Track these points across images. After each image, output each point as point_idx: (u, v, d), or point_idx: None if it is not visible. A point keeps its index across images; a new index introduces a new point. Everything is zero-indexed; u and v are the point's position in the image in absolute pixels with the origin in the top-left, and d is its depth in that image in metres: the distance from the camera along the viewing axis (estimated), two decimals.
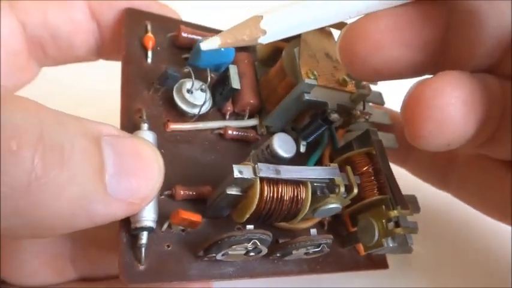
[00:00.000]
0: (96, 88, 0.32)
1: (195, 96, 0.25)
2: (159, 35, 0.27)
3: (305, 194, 0.23)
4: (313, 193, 0.23)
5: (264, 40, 0.20)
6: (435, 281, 0.33)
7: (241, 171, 0.21)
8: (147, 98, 0.25)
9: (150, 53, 0.26)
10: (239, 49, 0.29)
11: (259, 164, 0.21)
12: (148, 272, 0.21)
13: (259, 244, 0.21)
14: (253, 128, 0.27)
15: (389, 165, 0.26)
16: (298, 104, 0.25)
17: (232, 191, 0.21)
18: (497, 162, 0.28)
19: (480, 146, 0.25)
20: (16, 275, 0.22)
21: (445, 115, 0.20)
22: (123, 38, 0.26)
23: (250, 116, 0.27)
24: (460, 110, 0.20)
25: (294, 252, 0.24)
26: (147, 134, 0.23)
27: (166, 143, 0.24)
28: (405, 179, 0.28)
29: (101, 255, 0.23)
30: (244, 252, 0.22)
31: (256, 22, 0.20)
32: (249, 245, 0.21)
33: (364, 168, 0.26)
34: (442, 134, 0.20)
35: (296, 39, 0.26)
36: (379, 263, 0.28)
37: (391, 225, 0.24)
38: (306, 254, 0.24)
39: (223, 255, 0.22)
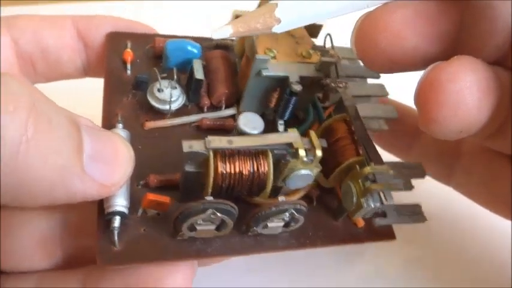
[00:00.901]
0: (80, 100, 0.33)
1: (166, 94, 0.27)
2: (139, 49, 0.30)
3: (266, 164, 0.23)
4: (277, 162, 0.23)
5: (278, 29, 0.20)
6: (435, 281, 0.32)
7: (191, 145, 0.22)
8: (126, 104, 0.27)
9: (129, 66, 0.29)
10: (213, 47, 0.31)
11: (209, 136, 0.22)
12: (123, 254, 0.22)
13: (218, 214, 0.21)
14: (232, 117, 0.28)
15: (364, 127, 0.25)
16: (260, 82, 0.26)
17: (191, 168, 0.22)
18: (502, 156, 0.28)
19: (487, 138, 0.25)
20: (5, 261, 0.24)
21: (460, 99, 0.20)
22: (106, 57, 0.29)
23: (229, 107, 0.28)
24: (475, 95, 0.20)
25: (269, 224, 0.23)
26: (120, 131, 0.25)
27: (144, 140, 0.26)
28: None
29: (89, 241, 0.25)
30: (213, 227, 0.23)
31: (270, 10, 0.20)
32: (210, 216, 0.22)
33: (341, 134, 0.25)
34: (456, 119, 0.20)
35: None
36: (384, 234, 0.27)
37: (367, 183, 0.23)
38: (285, 226, 0.24)
39: (191, 230, 0.22)
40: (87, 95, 0.28)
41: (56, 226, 0.25)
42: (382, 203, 0.23)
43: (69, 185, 0.20)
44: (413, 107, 0.24)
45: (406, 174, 0.27)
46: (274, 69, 0.25)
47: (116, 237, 0.22)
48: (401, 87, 0.32)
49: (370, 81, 0.32)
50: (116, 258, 0.22)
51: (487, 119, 0.21)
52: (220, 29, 0.20)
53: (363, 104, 0.30)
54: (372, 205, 0.23)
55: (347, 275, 0.33)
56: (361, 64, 0.32)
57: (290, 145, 0.23)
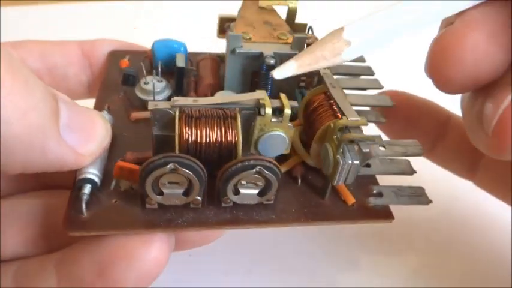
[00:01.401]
0: None
1: (152, 85, 0.28)
2: (136, 63, 0.32)
3: (234, 125, 0.22)
4: (247, 126, 0.22)
5: (348, 54, 0.19)
6: (435, 281, 0.32)
7: (156, 104, 0.22)
8: (116, 100, 0.29)
9: None
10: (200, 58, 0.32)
11: (175, 97, 0.22)
12: (90, 222, 0.22)
13: (182, 169, 0.20)
14: None
15: (342, 92, 0.24)
16: (236, 60, 0.26)
17: (159, 131, 0.22)
18: None
19: None
20: None
21: (471, 57, 0.20)
22: (105, 69, 0.31)
23: None
24: (484, 50, 0.20)
25: (242, 191, 0.22)
26: (104, 115, 0.26)
27: (129, 129, 0.27)
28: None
29: None
30: (181, 191, 0.22)
31: (337, 34, 0.19)
32: (174, 174, 0.21)
33: (319, 102, 0.24)
34: (468, 75, 0.20)
35: None
36: (380, 214, 0.24)
37: (344, 134, 0.21)
38: (261, 194, 0.22)
39: (159, 194, 0.22)
40: None
41: (37, 213, 0.25)
42: (360, 158, 0.21)
43: (46, 146, 0.20)
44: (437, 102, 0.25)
45: (401, 152, 0.25)
46: (248, 47, 0.26)
47: (84, 205, 0.22)
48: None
49: None
50: (82, 225, 0.21)
51: (501, 62, 0.20)
52: (283, 67, 0.19)
53: (353, 95, 0.29)
54: (350, 161, 0.21)
55: (348, 272, 0.32)
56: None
57: (257, 103, 0.22)
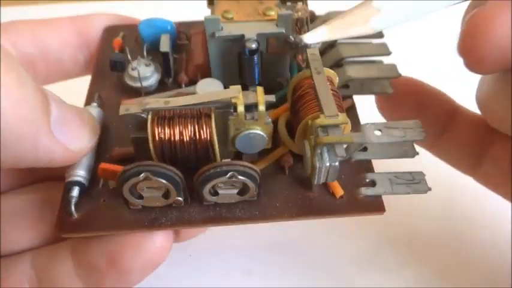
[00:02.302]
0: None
1: (140, 71, 0.27)
2: (130, 39, 0.31)
3: (208, 125, 0.21)
4: (223, 124, 0.21)
5: (378, 23, 0.20)
6: (435, 281, 0.32)
7: (127, 108, 0.21)
8: (108, 86, 0.28)
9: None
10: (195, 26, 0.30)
11: (147, 98, 0.21)
12: (79, 223, 0.23)
13: (151, 176, 0.20)
14: None
15: (324, 79, 0.22)
16: (217, 46, 0.24)
17: (135, 134, 0.22)
18: None
19: None
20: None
21: (501, 28, 0.20)
22: (99, 48, 0.31)
23: None
24: None
25: (220, 192, 0.22)
26: (93, 109, 0.26)
27: (119, 119, 0.26)
28: None
29: None
30: (159, 194, 0.22)
31: (367, 3, 0.20)
32: (148, 181, 0.21)
33: (305, 89, 0.23)
34: (499, 46, 0.20)
35: None
36: (369, 206, 0.23)
37: (319, 136, 0.20)
38: (240, 193, 0.22)
39: (138, 198, 0.22)
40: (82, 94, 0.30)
41: (44, 207, 0.26)
42: (338, 161, 0.20)
43: (37, 140, 0.20)
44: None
45: (400, 136, 0.23)
46: (229, 29, 0.24)
47: (73, 207, 0.23)
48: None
49: None
50: (72, 227, 0.23)
51: None
52: (314, 32, 0.20)
53: (354, 65, 0.27)
54: (328, 163, 0.20)
55: (349, 271, 0.32)
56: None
57: (229, 102, 0.21)
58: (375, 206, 0.23)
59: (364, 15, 0.20)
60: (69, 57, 0.31)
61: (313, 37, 0.20)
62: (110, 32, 0.31)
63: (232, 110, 0.21)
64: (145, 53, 0.27)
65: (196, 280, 0.31)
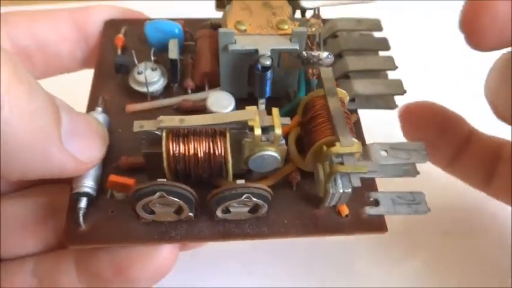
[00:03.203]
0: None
1: (146, 76, 0.26)
2: (134, 36, 0.30)
3: (223, 144, 0.21)
4: (237, 143, 0.21)
5: None
6: (435, 281, 0.32)
7: (142, 125, 0.21)
8: (112, 87, 0.28)
9: (119, 51, 0.29)
10: (208, 27, 0.30)
11: (161, 116, 0.21)
12: (88, 235, 0.23)
13: (169, 197, 0.21)
14: None
15: (338, 102, 0.22)
16: (229, 58, 0.24)
17: (147, 149, 0.22)
18: None
19: None
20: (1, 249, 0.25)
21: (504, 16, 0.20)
22: (100, 43, 0.30)
23: (214, 88, 0.27)
24: None
25: (232, 210, 0.22)
26: (99, 115, 0.25)
27: (125, 124, 0.26)
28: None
29: None
30: (172, 210, 0.22)
31: None
32: (163, 199, 0.21)
33: (318, 110, 0.23)
34: (500, 22, 0.21)
35: None
36: (372, 226, 0.23)
37: (334, 164, 0.20)
38: (252, 212, 0.22)
39: (150, 213, 0.22)
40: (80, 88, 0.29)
41: (46, 211, 0.26)
42: (351, 188, 0.20)
43: (48, 152, 0.20)
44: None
45: (405, 158, 0.24)
46: (242, 42, 0.23)
47: (81, 218, 0.23)
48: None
49: None
50: (81, 238, 0.23)
51: None
52: None
53: (361, 80, 0.27)
54: (341, 190, 0.20)
55: (351, 272, 0.33)
56: (371, 35, 0.30)
57: (245, 123, 0.21)
58: (378, 225, 0.24)
59: None
60: (67, 51, 0.30)
61: (311, 2, 0.21)
62: (111, 26, 0.30)
63: (247, 131, 0.21)
64: (152, 58, 0.26)
65: (197, 280, 0.31)
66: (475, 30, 0.21)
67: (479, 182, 0.31)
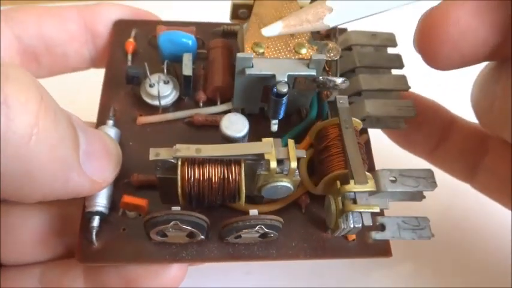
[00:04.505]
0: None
1: (159, 89, 0.26)
2: (143, 38, 0.29)
3: (237, 172, 0.21)
4: (252, 171, 0.22)
5: (330, 21, 0.21)
6: (436, 281, 0.32)
7: (158, 153, 0.21)
8: (122, 97, 0.27)
9: (130, 56, 0.28)
10: (220, 33, 0.29)
11: (177, 145, 0.21)
12: (100, 253, 0.23)
13: (180, 224, 0.21)
14: (226, 113, 0.27)
15: (353, 135, 0.22)
16: (246, 80, 0.24)
17: (161, 174, 0.22)
18: None
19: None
20: (8, 256, 0.25)
21: (457, 33, 0.21)
22: (109, 46, 0.29)
23: (226, 101, 0.27)
24: (467, 16, 0.21)
25: (243, 235, 0.22)
26: (110, 129, 0.25)
27: (136, 136, 0.26)
28: None
29: None
30: (184, 234, 0.22)
31: (321, 1, 0.21)
32: (176, 227, 0.21)
33: (332, 140, 0.23)
34: (452, 42, 0.21)
35: None
36: (377, 250, 0.24)
37: (346, 202, 0.21)
38: (262, 237, 0.23)
39: (162, 236, 0.22)
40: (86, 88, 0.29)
41: (55, 221, 0.26)
42: (362, 224, 0.21)
43: (68, 177, 0.20)
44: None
45: (413, 186, 0.24)
46: (260, 66, 0.23)
47: (94, 236, 0.23)
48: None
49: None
50: (94, 256, 0.23)
51: (487, 35, 0.21)
52: (271, 26, 0.21)
53: (373, 100, 0.27)
54: (352, 225, 0.21)
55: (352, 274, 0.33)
56: (385, 50, 0.29)
57: (261, 156, 0.21)
58: (383, 250, 0.24)
59: (317, 13, 0.21)
60: (74, 51, 0.29)
61: (269, 30, 0.21)
62: (121, 27, 0.30)
63: (262, 162, 0.21)
64: (165, 71, 0.26)
65: (197, 280, 0.32)
66: (429, 51, 0.22)
67: (463, 173, 0.31)
